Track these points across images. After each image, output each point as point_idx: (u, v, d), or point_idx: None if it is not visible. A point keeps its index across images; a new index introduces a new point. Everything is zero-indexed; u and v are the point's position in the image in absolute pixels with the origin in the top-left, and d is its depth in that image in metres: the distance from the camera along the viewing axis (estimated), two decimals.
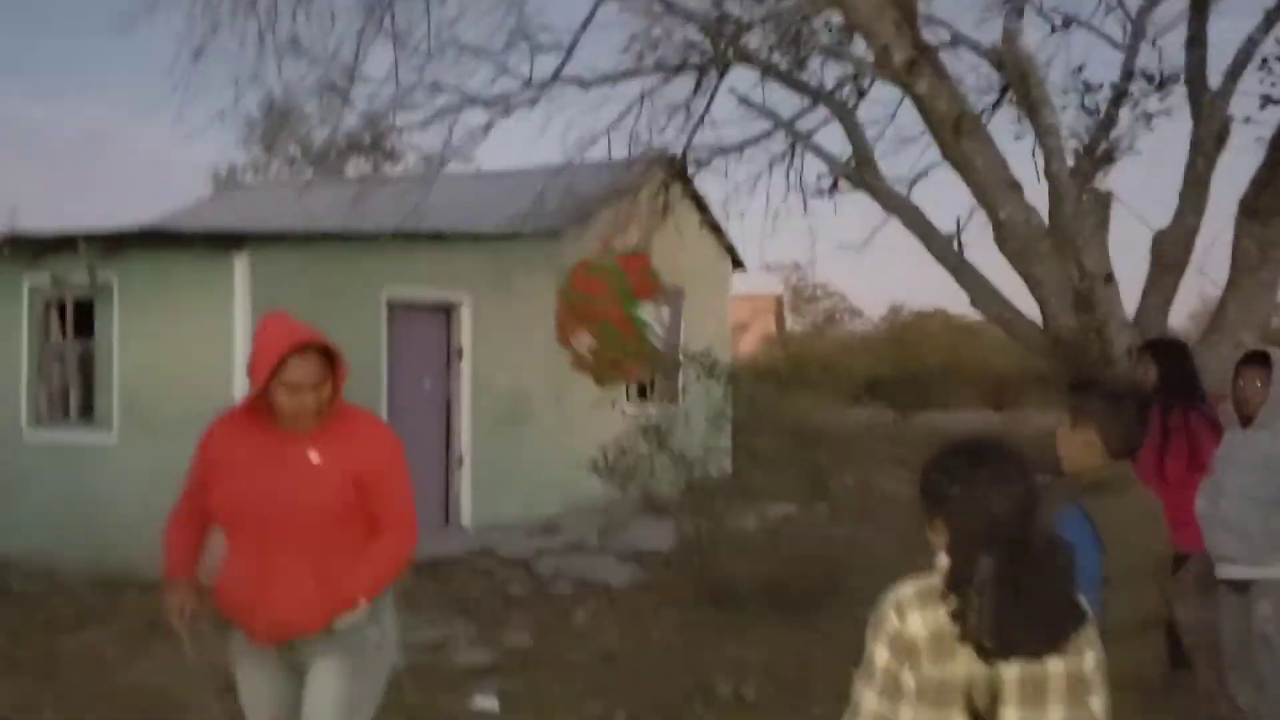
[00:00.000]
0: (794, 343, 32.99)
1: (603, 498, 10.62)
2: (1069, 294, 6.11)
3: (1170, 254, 6.30)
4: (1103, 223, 6.26)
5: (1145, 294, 6.36)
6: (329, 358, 3.08)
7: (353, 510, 3.10)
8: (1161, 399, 4.89)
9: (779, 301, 35.94)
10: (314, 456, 3.09)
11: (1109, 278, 6.11)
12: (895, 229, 7.40)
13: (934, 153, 7.40)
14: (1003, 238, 6.22)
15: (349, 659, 3.11)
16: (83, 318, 9.33)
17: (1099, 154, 7.23)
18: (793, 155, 9.08)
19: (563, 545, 10.14)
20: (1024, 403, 24.12)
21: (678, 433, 9.43)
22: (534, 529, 10.93)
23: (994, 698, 1.98)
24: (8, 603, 7.87)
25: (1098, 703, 2.08)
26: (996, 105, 8.38)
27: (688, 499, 9.02)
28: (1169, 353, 5.13)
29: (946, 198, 8.04)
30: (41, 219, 23.42)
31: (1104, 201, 6.32)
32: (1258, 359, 4.18)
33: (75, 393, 9.42)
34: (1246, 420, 4.18)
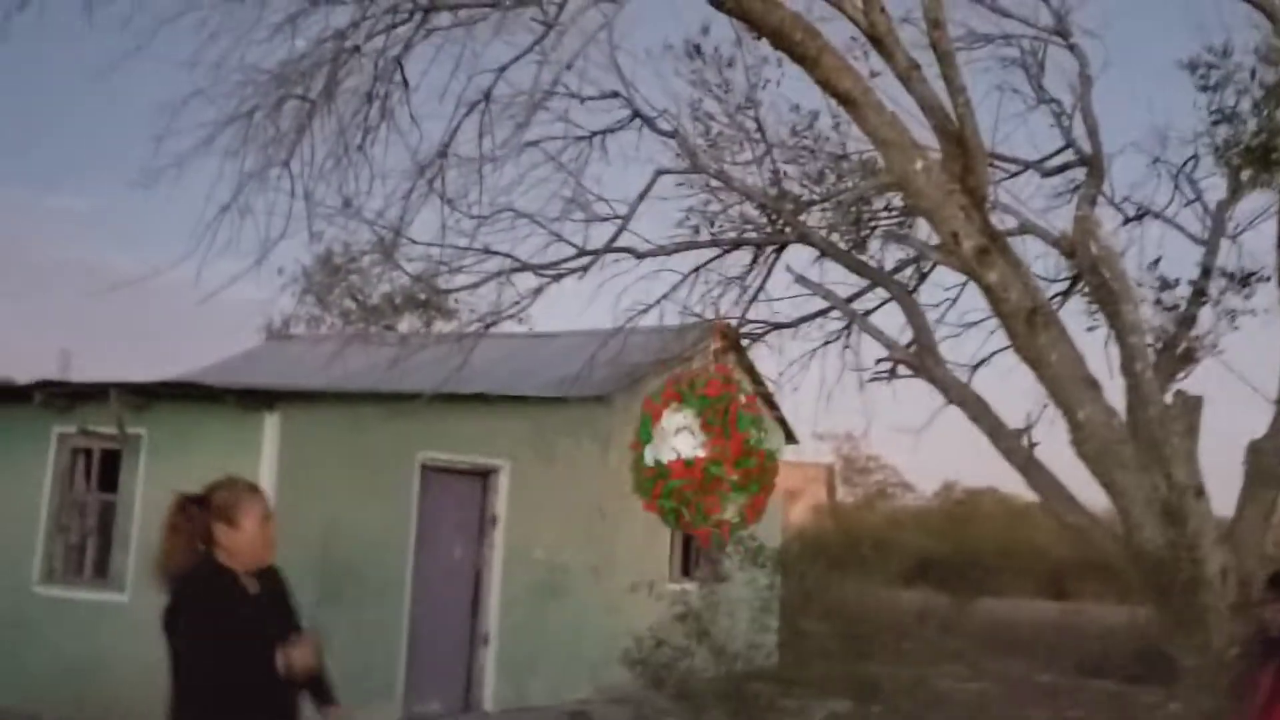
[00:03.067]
0: (844, 514, 32.19)
1: (639, 686, 9.93)
2: (1155, 505, 5.54)
3: (1268, 465, 5.75)
4: (1192, 429, 5.72)
5: (1240, 509, 5.77)
6: None
7: None
8: None
9: (831, 470, 35.23)
10: None
11: (1200, 491, 5.54)
12: (955, 414, 6.92)
13: (998, 338, 6.96)
14: (1081, 440, 5.68)
15: None
16: (108, 470, 9.05)
17: (1179, 353, 6.75)
18: (849, 334, 8.69)
19: None
20: (1083, 593, 22.96)
21: (720, 621, 8.82)
22: (562, 717, 10.22)
23: None
24: None
25: None
26: (1066, 294, 7.96)
27: (728, 696, 8.35)
28: None
29: (1012, 383, 7.56)
30: (93, 364, 23.64)
31: (1193, 406, 5.80)
32: None
33: (92, 547, 9.06)
34: None
